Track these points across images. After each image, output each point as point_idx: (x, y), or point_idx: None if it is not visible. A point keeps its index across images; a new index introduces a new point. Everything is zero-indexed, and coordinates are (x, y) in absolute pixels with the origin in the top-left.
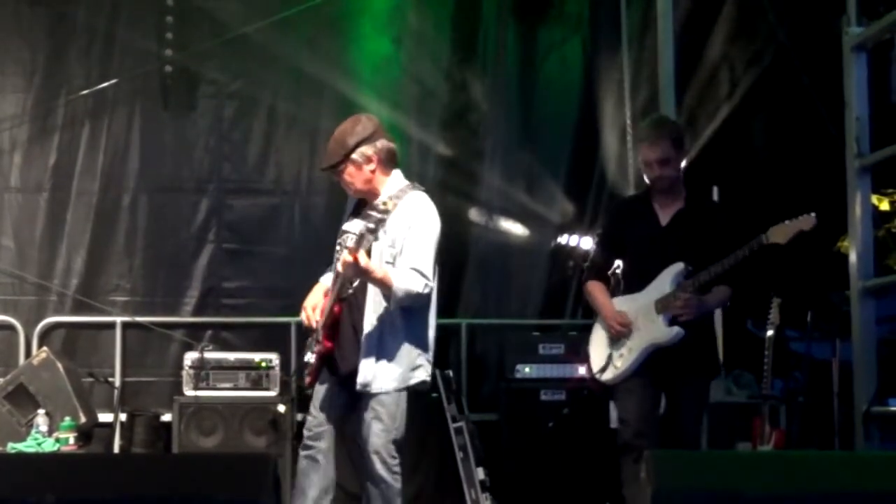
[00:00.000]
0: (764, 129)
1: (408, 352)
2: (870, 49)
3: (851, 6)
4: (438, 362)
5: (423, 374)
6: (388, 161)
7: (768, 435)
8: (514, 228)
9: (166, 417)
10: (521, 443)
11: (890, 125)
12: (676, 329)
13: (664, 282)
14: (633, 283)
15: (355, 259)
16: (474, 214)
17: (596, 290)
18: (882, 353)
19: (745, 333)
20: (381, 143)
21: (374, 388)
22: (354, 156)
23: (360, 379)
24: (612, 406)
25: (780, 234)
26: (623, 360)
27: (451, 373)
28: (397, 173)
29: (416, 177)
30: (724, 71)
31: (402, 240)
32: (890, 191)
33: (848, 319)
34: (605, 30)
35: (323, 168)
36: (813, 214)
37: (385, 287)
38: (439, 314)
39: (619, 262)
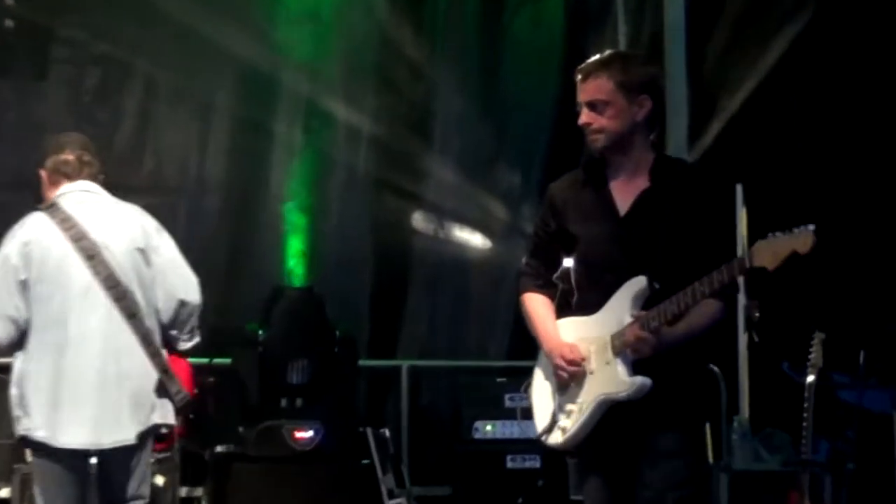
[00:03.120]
0: (804, 107)
1: (12, 405)
2: None
3: None
4: (370, 418)
5: (19, 427)
6: (53, 181)
7: None
8: (473, 239)
9: (3, 493)
10: None
11: None
12: (640, 380)
13: (622, 305)
14: (587, 298)
15: None
16: (419, 220)
17: (536, 305)
18: None
19: (780, 379)
20: (50, 160)
21: None
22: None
23: None
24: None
25: (768, 253)
26: (573, 420)
27: (387, 432)
28: (63, 190)
29: (343, 169)
30: (751, 29)
31: None
32: None
33: None
34: None
35: None
36: (812, 227)
37: None
38: (372, 355)
39: (569, 264)
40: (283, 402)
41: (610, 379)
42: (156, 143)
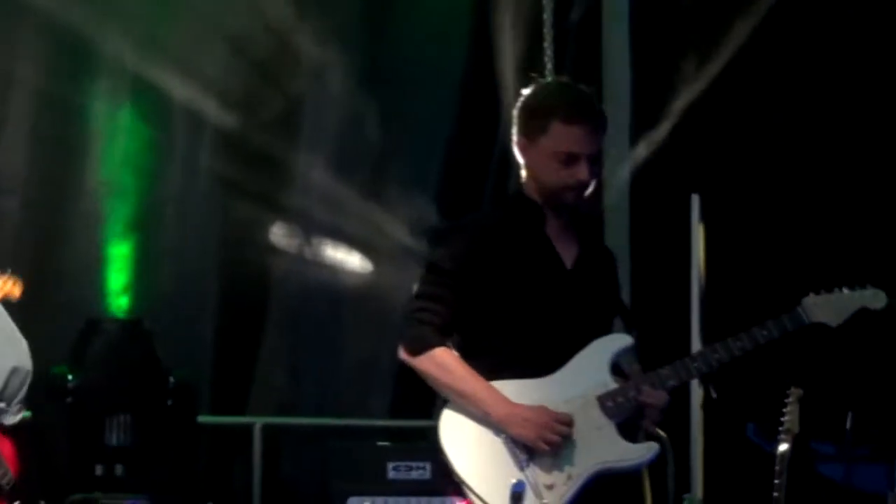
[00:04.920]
0: (779, 101)
1: None
2: None
3: None
4: (213, 490)
5: None
6: None
7: None
8: (349, 260)
9: None
10: None
11: None
12: (656, 447)
13: (599, 364)
14: (523, 358)
15: None
16: (279, 234)
17: (460, 364)
18: None
19: (743, 447)
20: None
21: None
22: None
23: None
24: None
25: (828, 310)
26: (559, 493)
27: None
28: None
29: (181, 165)
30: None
31: None
32: None
33: None
34: None
35: None
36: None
37: None
38: (216, 409)
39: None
40: (99, 470)
41: (611, 445)
42: None
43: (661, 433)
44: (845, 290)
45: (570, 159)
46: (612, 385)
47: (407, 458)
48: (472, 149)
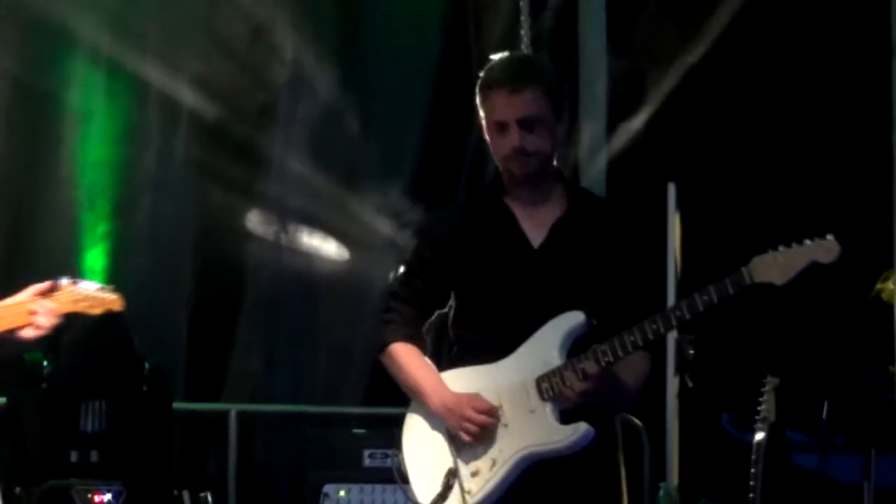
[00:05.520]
0: (757, 88)
1: None
2: None
3: None
4: (188, 477)
5: None
6: None
7: None
8: (324, 247)
9: None
10: None
11: None
12: (584, 428)
13: (548, 344)
14: (484, 345)
15: None
16: (255, 222)
17: (410, 355)
18: None
19: (719, 436)
20: None
21: None
22: None
23: None
24: None
25: (774, 268)
26: (483, 479)
27: (209, 496)
28: None
29: (157, 152)
30: None
31: None
32: None
33: (892, 413)
34: None
35: None
36: (832, 237)
37: None
38: (191, 396)
39: (448, 306)
40: (74, 456)
41: (539, 428)
42: None
43: (637, 422)
44: (785, 248)
45: (500, 128)
46: (555, 365)
47: (383, 446)
48: (448, 137)
